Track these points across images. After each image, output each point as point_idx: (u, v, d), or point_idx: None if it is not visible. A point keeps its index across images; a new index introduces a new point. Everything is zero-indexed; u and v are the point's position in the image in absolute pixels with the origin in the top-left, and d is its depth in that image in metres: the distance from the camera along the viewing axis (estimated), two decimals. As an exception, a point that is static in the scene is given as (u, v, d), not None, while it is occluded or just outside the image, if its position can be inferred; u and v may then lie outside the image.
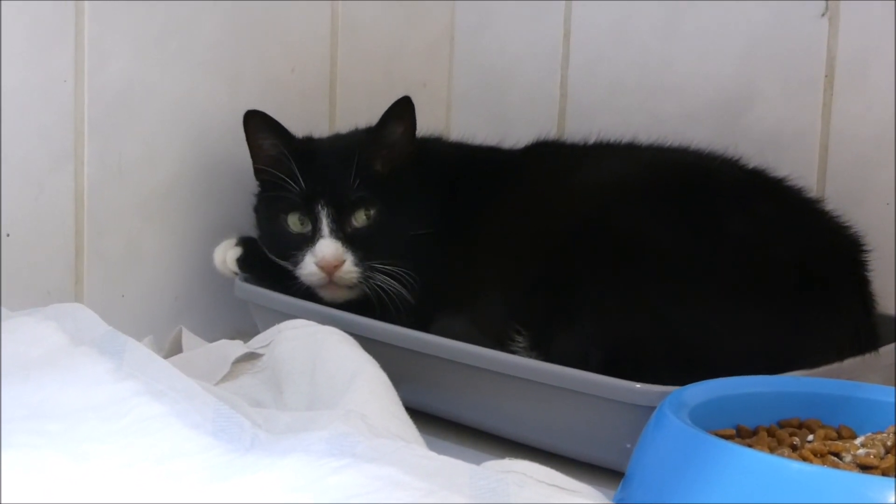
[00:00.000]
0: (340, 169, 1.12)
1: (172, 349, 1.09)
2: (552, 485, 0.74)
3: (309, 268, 1.12)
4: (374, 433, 0.78)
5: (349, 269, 1.11)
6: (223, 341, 1.05)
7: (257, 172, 1.18)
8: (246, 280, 1.18)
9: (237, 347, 1.02)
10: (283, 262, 1.14)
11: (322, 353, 0.95)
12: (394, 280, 1.10)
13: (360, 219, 1.12)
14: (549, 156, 1.19)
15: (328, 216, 1.11)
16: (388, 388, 0.89)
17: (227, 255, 1.19)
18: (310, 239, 1.12)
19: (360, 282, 1.11)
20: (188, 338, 1.09)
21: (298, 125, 1.20)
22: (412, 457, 0.74)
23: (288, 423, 0.83)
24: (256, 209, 1.19)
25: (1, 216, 1.10)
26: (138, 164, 1.19)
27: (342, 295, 1.13)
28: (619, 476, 0.83)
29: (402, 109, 1.15)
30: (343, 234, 1.11)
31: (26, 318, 0.92)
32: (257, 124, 1.16)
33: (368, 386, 0.88)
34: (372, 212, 1.12)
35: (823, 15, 1.18)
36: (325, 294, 1.13)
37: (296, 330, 1.00)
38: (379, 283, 1.10)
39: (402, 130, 1.15)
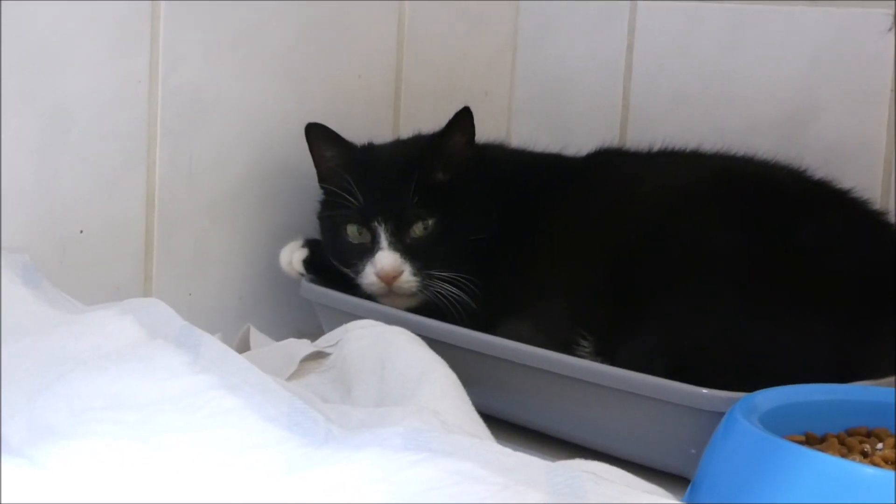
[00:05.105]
0: (399, 183, 1.13)
1: (241, 347, 1.10)
2: (625, 484, 0.75)
3: (369, 278, 1.13)
4: (448, 430, 0.79)
5: (408, 278, 1.12)
6: (290, 340, 1.06)
7: (320, 181, 1.19)
8: (312, 281, 1.20)
9: (305, 346, 1.03)
10: (344, 270, 1.15)
11: (391, 352, 0.95)
12: (454, 287, 1.11)
13: (418, 230, 1.13)
14: (613, 162, 1.19)
15: (386, 230, 1.12)
16: (458, 387, 0.90)
17: (293, 256, 1.20)
18: (369, 249, 1.13)
19: (420, 290, 1.12)
20: (256, 336, 1.10)
21: (363, 131, 1.22)
22: (488, 452, 0.74)
23: (361, 419, 0.84)
24: (320, 217, 1.20)
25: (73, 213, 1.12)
26: (208, 167, 1.21)
27: (403, 303, 1.14)
28: (681, 481, 0.83)
29: (463, 119, 1.16)
30: (402, 245, 1.12)
31: (104, 312, 0.93)
32: (318, 136, 1.18)
33: (439, 384, 0.89)
34: (430, 222, 1.13)
35: (890, 30, 1.18)
36: (386, 302, 1.14)
37: (364, 329, 1.01)
38: (439, 290, 1.11)
39: (462, 139, 1.16)
